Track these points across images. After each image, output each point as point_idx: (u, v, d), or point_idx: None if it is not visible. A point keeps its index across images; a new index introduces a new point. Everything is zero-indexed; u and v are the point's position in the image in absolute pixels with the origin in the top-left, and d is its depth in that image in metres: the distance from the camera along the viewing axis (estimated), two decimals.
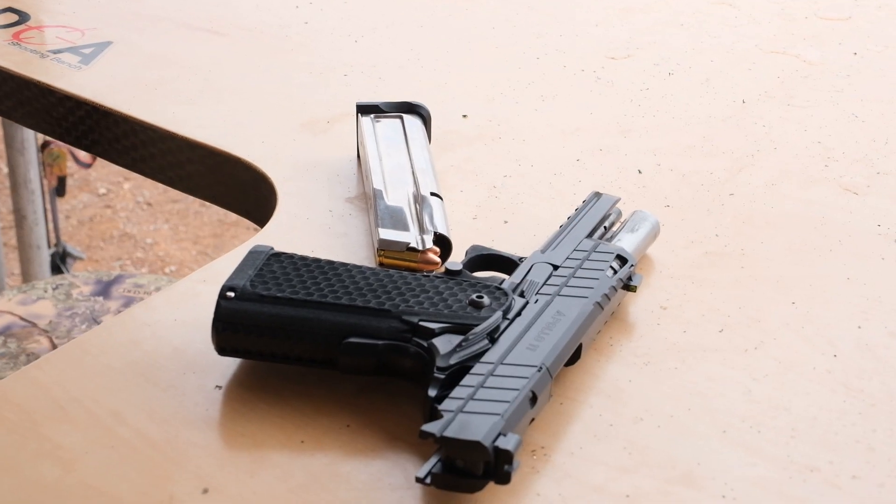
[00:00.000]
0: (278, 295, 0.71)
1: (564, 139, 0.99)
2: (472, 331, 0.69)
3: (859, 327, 0.78)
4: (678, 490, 0.66)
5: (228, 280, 0.72)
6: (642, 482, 0.66)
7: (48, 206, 2.36)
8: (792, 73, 1.09)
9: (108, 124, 1.01)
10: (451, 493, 0.64)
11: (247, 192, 0.95)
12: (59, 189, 2.47)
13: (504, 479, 0.63)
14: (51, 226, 2.37)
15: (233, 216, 3.14)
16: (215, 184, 0.97)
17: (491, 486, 0.64)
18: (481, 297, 0.72)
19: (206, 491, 0.65)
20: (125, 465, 0.66)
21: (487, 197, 0.91)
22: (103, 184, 3.19)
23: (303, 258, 0.74)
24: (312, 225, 0.87)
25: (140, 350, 0.74)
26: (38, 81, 1.04)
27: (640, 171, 0.94)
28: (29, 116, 1.06)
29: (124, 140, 1.01)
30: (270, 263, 0.73)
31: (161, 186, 3.23)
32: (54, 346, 1.52)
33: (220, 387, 0.72)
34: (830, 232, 0.87)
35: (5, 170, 2.44)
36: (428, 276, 0.74)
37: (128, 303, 1.62)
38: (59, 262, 2.49)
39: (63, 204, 2.96)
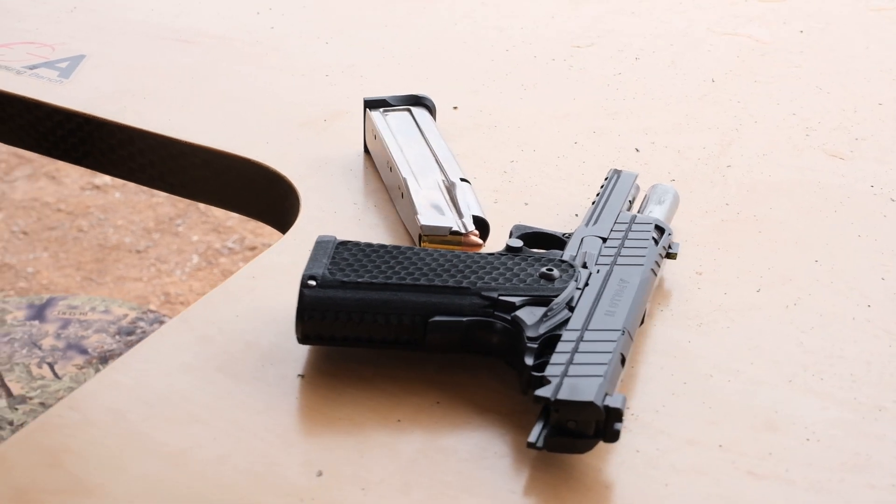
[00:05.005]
0: (359, 280, 0.72)
1: (557, 124, 1.02)
2: (555, 301, 0.72)
3: (883, 279, 0.83)
4: (766, 436, 0.70)
5: (307, 270, 0.73)
6: (730, 432, 0.70)
7: None
8: (749, 52, 1.15)
9: (102, 135, 1.00)
10: (557, 456, 0.67)
11: (258, 193, 0.95)
12: None
13: (613, 436, 0.66)
14: None
15: (112, 240, 3.08)
16: (223, 187, 0.97)
17: (594, 447, 0.67)
18: (551, 270, 0.74)
19: (320, 474, 0.66)
20: (234, 455, 0.67)
21: (501, 181, 0.93)
22: None
23: (369, 244, 0.76)
24: (341, 218, 0.88)
25: (213, 346, 0.75)
26: (23, 97, 1.02)
27: (637, 150, 0.98)
28: (11, 133, 1.04)
29: (120, 150, 1.00)
30: (340, 251, 0.75)
31: (35, 214, 3.15)
32: None
33: (302, 375, 0.73)
34: (830, 195, 0.93)
35: None
36: (492, 254, 0.76)
37: (65, 325, 1.59)
38: None
39: None
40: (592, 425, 0.66)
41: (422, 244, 0.83)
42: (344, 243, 0.76)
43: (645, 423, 0.71)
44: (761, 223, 0.89)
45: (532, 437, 0.66)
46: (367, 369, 0.73)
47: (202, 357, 0.74)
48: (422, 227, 0.83)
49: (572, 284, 0.74)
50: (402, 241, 0.85)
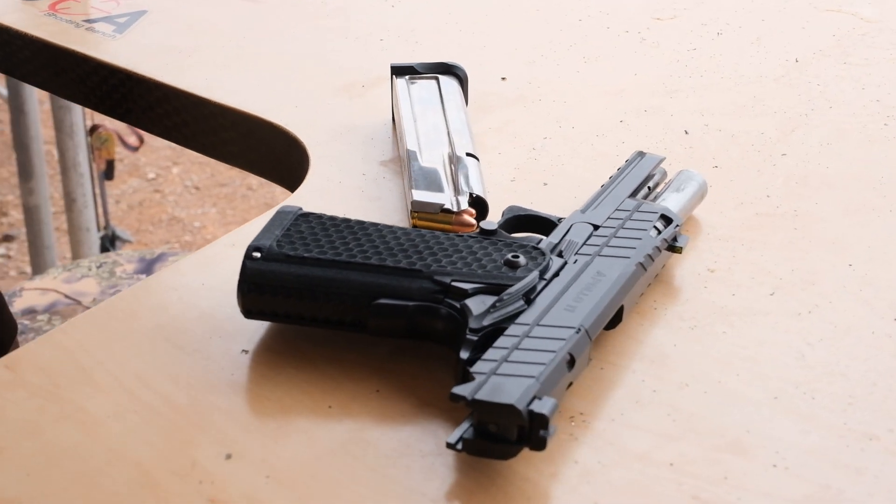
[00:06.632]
0: (305, 255, 0.68)
1: (607, 100, 0.95)
2: (507, 291, 0.66)
3: None
4: (726, 458, 0.62)
5: (255, 240, 0.69)
6: (688, 450, 0.63)
7: (97, 190, 2.36)
8: (848, 31, 1.05)
9: (142, 92, 0.99)
10: (483, 459, 0.61)
11: (280, 158, 0.92)
12: (108, 172, 2.46)
13: (539, 444, 0.60)
14: (100, 209, 2.37)
15: (280, 199, 3.13)
16: (249, 150, 0.94)
17: (526, 452, 0.60)
18: (517, 257, 0.68)
19: (229, 456, 0.62)
20: (148, 429, 0.64)
21: (526, 159, 0.87)
22: (152, 168, 3.19)
23: (331, 218, 0.71)
24: (345, 188, 0.84)
25: (166, 314, 0.72)
26: (73, 50, 1.02)
27: (686, 132, 0.90)
28: (64, 86, 1.04)
29: (158, 108, 0.98)
30: (298, 223, 0.71)
31: (209, 170, 3.22)
32: None
33: (246, 351, 0.69)
34: (890, 192, 0.83)
35: (55, 154, 2.45)
36: (461, 235, 0.71)
37: None
38: (109, 244, 2.48)
39: (113, 189, 2.96)
40: (514, 430, 0.60)
41: (412, 220, 0.78)
42: (306, 215, 0.71)
43: (596, 432, 0.64)
44: (800, 219, 0.80)
45: (451, 438, 0.60)
46: (316, 350, 0.69)
47: (151, 324, 0.71)
48: (412, 202, 0.78)
49: (534, 274, 0.67)
50: (398, 217, 0.81)
